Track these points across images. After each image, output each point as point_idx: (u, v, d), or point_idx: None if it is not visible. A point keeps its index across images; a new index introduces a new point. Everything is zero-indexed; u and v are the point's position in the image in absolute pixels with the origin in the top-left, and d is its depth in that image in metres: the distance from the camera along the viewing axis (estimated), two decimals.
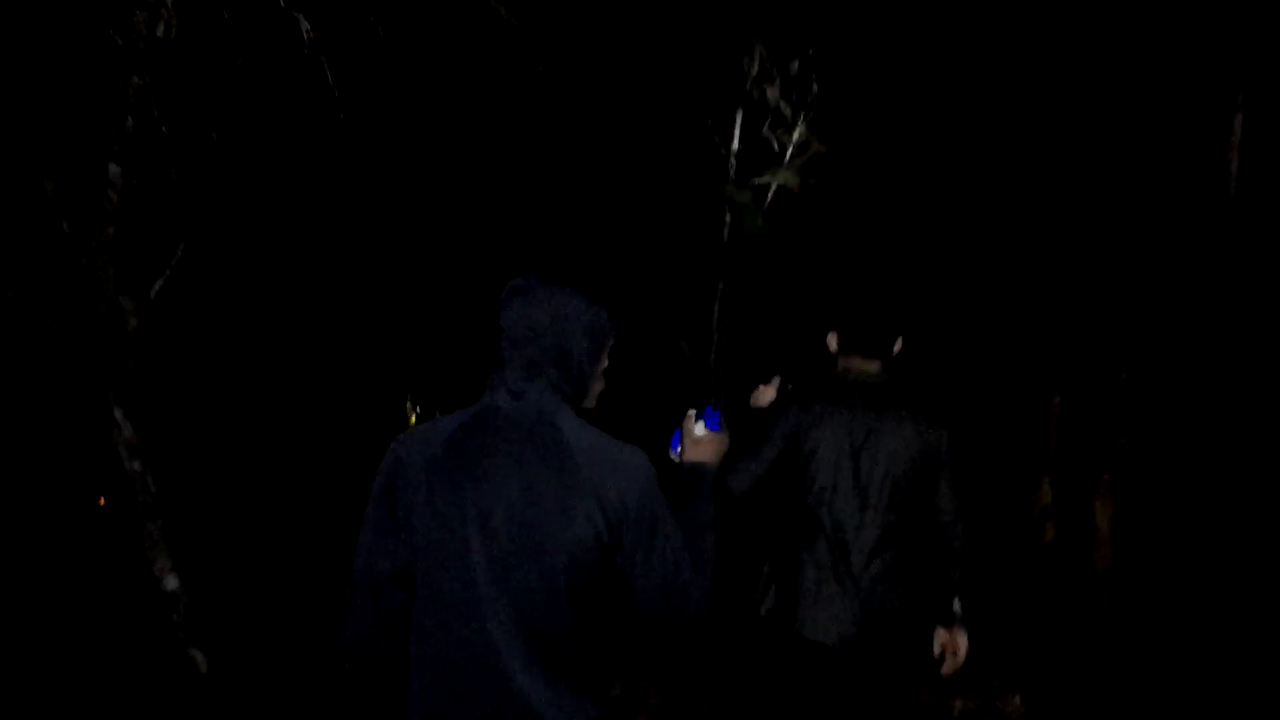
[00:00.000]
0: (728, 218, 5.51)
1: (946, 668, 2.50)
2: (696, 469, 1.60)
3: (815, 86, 5.17)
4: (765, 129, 5.30)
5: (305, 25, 3.25)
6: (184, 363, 7.47)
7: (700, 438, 1.62)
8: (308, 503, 7.96)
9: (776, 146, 5.31)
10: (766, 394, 2.52)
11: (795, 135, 5.14)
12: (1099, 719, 3.49)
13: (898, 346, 2.51)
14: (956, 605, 2.48)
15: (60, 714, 3.77)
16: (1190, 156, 3.25)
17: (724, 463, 2.25)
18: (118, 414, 3.55)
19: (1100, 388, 3.48)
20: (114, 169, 3.11)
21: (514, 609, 1.35)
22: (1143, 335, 3.35)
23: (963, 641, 2.47)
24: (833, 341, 2.53)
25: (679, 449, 1.67)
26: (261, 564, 6.27)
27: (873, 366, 2.47)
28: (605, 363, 1.54)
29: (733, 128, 5.58)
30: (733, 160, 5.53)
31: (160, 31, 2.99)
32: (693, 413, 1.65)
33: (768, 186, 5.29)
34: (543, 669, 1.35)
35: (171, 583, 3.77)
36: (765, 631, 2.53)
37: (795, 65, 4.93)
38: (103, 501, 6.95)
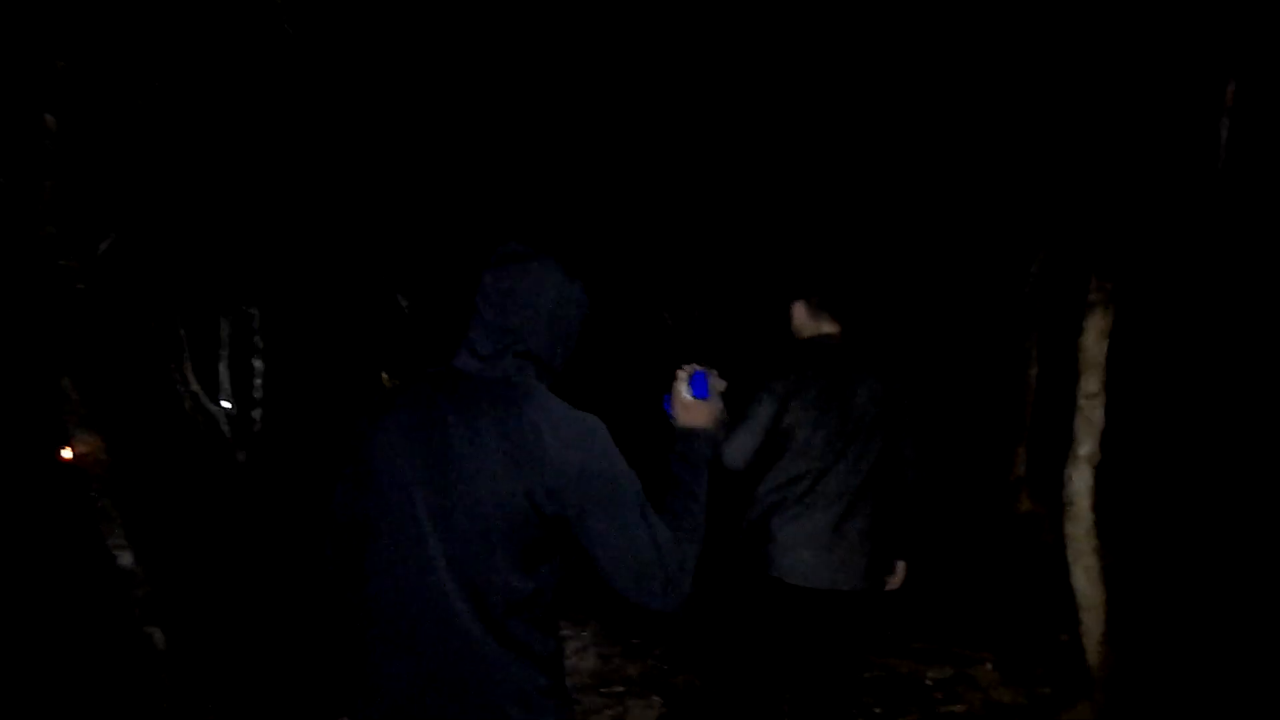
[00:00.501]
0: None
1: (888, 587, 2.76)
2: (686, 434, 1.56)
3: None
4: None
5: None
6: (144, 331, 7.24)
7: (689, 403, 1.59)
8: (276, 477, 7.80)
9: None
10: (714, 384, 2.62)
11: None
12: (1071, 687, 3.49)
13: (854, 313, 2.70)
14: (907, 537, 2.73)
15: (10, 696, 3.63)
16: (1179, 123, 3.18)
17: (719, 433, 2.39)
18: (65, 383, 3.37)
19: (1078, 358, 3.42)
20: (49, 118, 2.90)
21: (454, 562, 1.35)
22: (1124, 304, 3.30)
23: (902, 568, 2.76)
24: (800, 311, 2.67)
25: (672, 413, 1.63)
26: (225, 539, 6.12)
27: (837, 329, 2.65)
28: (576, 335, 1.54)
29: None
30: None
31: None
32: (682, 375, 1.61)
33: None
34: (484, 624, 1.34)
35: (126, 559, 3.62)
36: (750, 582, 2.64)
37: None
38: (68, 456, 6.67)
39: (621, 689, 3.92)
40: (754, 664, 2.72)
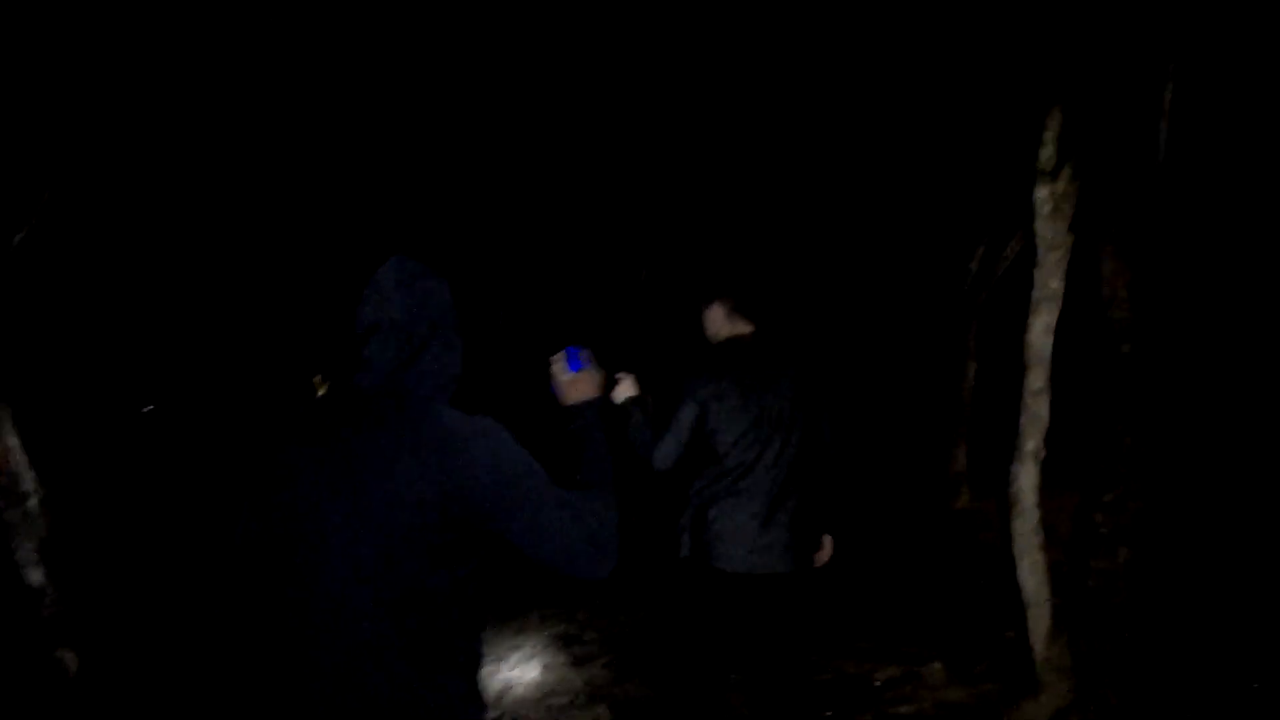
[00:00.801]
0: None
1: (817, 563, 2.94)
2: (577, 409, 1.67)
3: None
4: None
5: None
6: (61, 333, 6.87)
7: (570, 379, 1.69)
8: (205, 486, 7.48)
9: None
10: (626, 388, 2.75)
11: None
12: (1018, 684, 3.50)
13: (768, 314, 2.89)
14: (831, 513, 2.92)
15: None
16: (1120, 123, 3.21)
17: (648, 437, 2.68)
18: None
19: (1017, 356, 3.45)
20: None
21: (367, 582, 1.36)
22: (1070, 300, 3.32)
23: (829, 543, 2.93)
24: (718, 313, 2.82)
25: (560, 394, 1.75)
26: (146, 555, 5.83)
27: (751, 330, 2.82)
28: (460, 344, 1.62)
29: None
30: None
31: None
32: (557, 358, 1.72)
33: None
34: (398, 642, 1.35)
35: (35, 575, 3.40)
36: (687, 574, 2.79)
37: None
38: None
39: (566, 700, 3.81)
40: (702, 655, 2.81)
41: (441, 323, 1.52)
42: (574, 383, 1.69)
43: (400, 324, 1.48)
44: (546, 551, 1.42)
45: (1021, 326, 3.39)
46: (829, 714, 3.60)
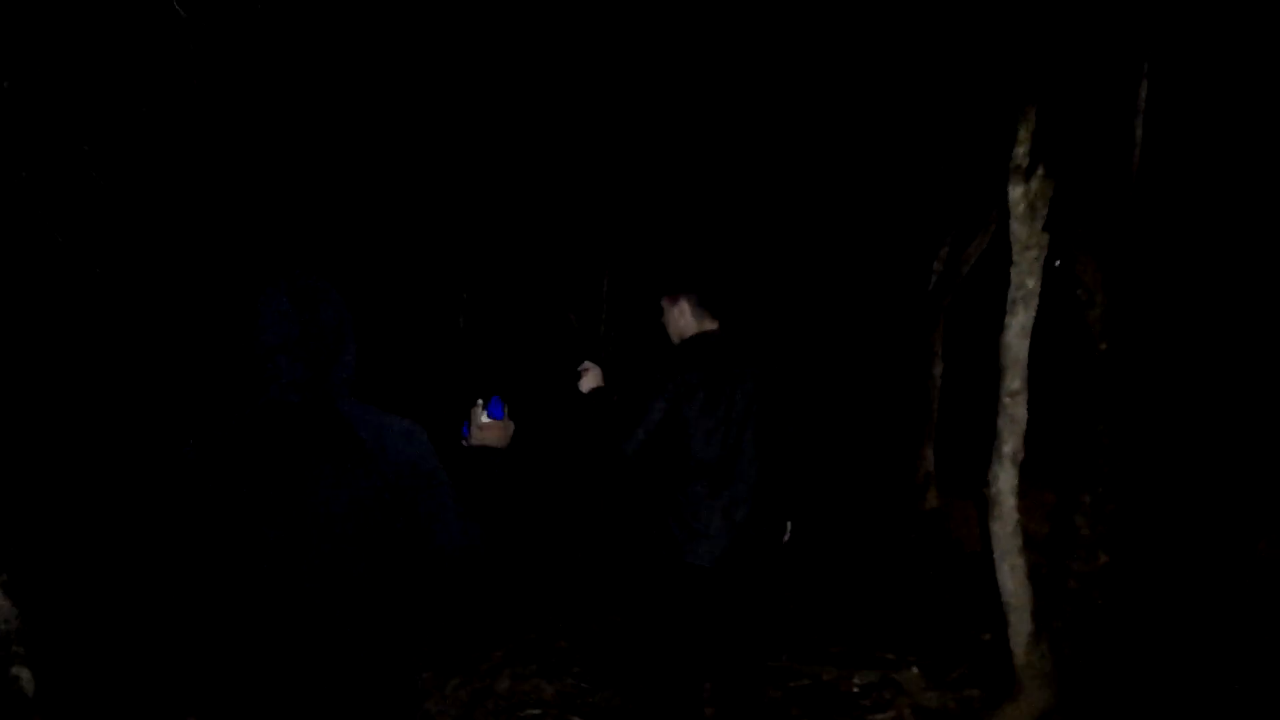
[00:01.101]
0: None
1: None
2: (482, 452, 1.82)
3: None
4: None
5: None
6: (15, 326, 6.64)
7: (485, 424, 1.83)
8: (158, 497, 7.26)
9: None
10: (591, 379, 2.82)
11: None
12: (999, 688, 3.48)
13: (733, 310, 2.95)
14: (792, 498, 3.01)
15: None
16: (1095, 122, 3.21)
17: (614, 427, 2.71)
18: None
19: (984, 355, 3.44)
20: None
21: (330, 591, 1.45)
22: (1045, 300, 3.30)
23: (789, 526, 3.03)
24: (684, 309, 2.85)
25: (469, 435, 1.87)
26: (100, 566, 5.63)
27: (717, 326, 2.86)
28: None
29: None
30: None
31: None
32: (480, 402, 1.85)
33: None
34: (362, 650, 1.46)
35: None
36: (660, 572, 2.81)
37: None
38: None
39: (538, 711, 3.71)
40: (676, 661, 2.79)
41: (342, 330, 1.58)
42: (486, 428, 1.82)
43: (306, 341, 1.53)
44: (440, 522, 1.57)
45: (989, 327, 3.38)
46: None
